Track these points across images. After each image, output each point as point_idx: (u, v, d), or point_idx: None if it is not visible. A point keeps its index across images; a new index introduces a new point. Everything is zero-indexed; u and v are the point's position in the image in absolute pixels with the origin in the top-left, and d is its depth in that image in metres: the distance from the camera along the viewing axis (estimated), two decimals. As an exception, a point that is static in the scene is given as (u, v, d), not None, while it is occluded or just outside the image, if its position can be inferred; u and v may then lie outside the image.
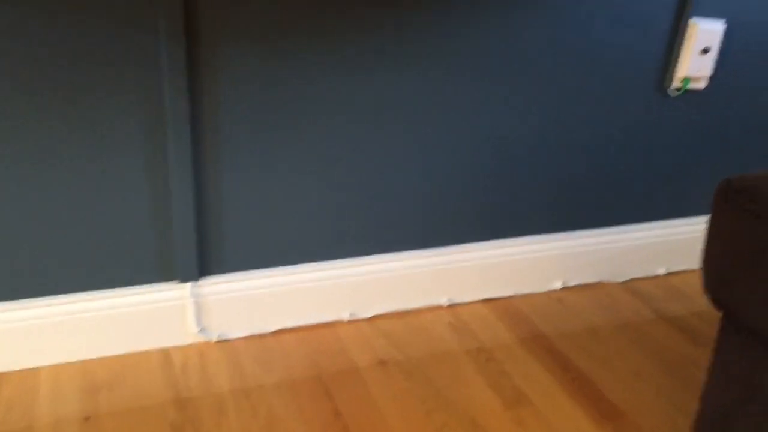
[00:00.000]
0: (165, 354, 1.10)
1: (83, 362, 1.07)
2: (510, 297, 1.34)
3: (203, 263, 1.10)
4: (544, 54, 1.15)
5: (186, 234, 1.05)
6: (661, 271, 1.47)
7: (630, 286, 1.41)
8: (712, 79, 1.30)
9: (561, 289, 1.38)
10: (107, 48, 0.91)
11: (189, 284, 1.09)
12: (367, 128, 1.10)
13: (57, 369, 1.05)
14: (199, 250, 1.08)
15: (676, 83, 1.27)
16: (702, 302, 1.38)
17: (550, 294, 1.36)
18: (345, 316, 1.22)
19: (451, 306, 1.29)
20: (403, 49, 1.06)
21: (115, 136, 0.96)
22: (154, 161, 1.00)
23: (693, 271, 1.51)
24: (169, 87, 0.95)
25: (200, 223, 1.07)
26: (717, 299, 0.75)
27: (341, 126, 1.08)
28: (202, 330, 1.12)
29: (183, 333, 1.12)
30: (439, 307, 1.28)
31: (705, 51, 1.25)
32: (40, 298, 1.03)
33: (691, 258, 1.49)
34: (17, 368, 1.04)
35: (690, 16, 1.22)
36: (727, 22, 1.25)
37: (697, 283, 1.45)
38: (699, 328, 1.28)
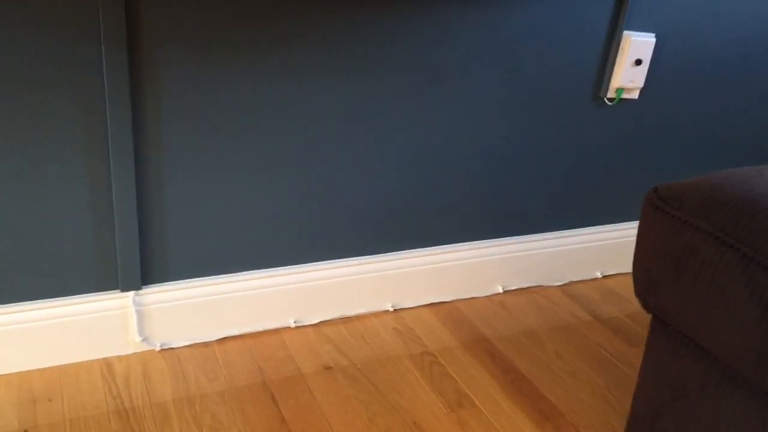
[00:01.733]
0: (107, 364, 1.09)
1: (21, 374, 1.04)
2: (453, 301, 1.36)
3: (145, 272, 1.09)
4: (485, 66, 1.18)
5: (128, 242, 1.04)
6: (598, 274, 1.52)
7: (567, 289, 1.46)
8: (644, 89, 1.36)
9: (502, 292, 1.41)
10: (47, 51, 0.90)
11: (131, 293, 1.08)
12: (310, 135, 1.11)
13: (-7, 381, 1.03)
14: (142, 258, 1.07)
15: (611, 93, 1.32)
16: (636, 304, 1.43)
17: (491, 298, 1.39)
18: (290, 323, 1.22)
19: (396, 311, 1.31)
20: (348, 57, 1.07)
21: (55, 142, 0.95)
22: (96, 168, 0.99)
23: (627, 274, 1.56)
24: (110, 91, 0.94)
25: (142, 231, 1.06)
26: (646, 302, 0.79)
27: (283, 133, 1.09)
28: (145, 339, 1.11)
29: (125, 343, 1.10)
30: (384, 313, 1.30)
31: (638, 62, 1.30)
32: (-25, 309, 1.00)
33: (626, 261, 1.54)
34: (-49, 381, 1.01)
35: (623, 29, 1.27)
36: (657, 36, 1.31)
37: (631, 286, 1.50)
38: (633, 330, 1.33)
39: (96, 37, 0.92)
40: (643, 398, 0.85)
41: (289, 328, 1.22)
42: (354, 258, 1.24)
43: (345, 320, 1.26)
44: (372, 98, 1.12)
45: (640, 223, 0.78)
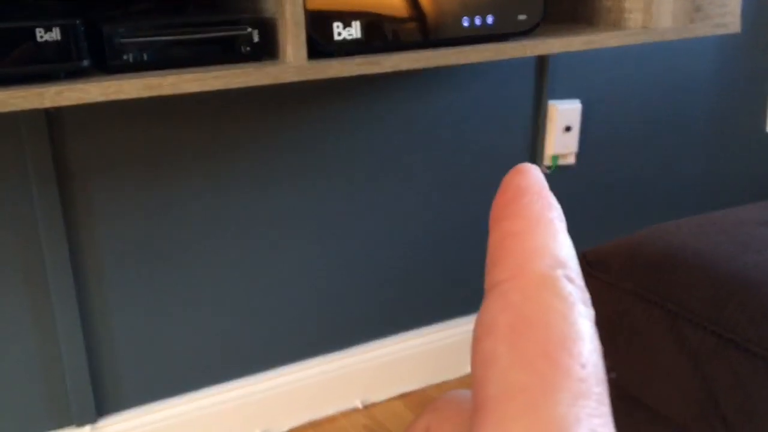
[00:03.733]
0: (68, 506, 1.04)
1: None
2: (424, 388, 1.34)
3: (100, 403, 1.06)
4: (422, 152, 1.21)
5: (78, 374, 1.02)
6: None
7: (539, 359, 1.44)
8: (580, 154, 1.39)
9: (473, 372, 1.39)
10: (-26, 200, 0.91)
11: (87, 427, 1.05)
12: (252, 246, 1.11)
13: None
14: (94, 389, 1.05)
15: (546, 161, 1.35)
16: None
17: (462, 379, 1.37)
18: (258, 434, 1.19)
19: (366, 407, 1.28)
20: (281, 166, 1.10)
21: (-9, 287, 0.95)
22: (38, 302, 0.98)
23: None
24: (45, 226, 0.95)
25: (92, 361, 1.04)
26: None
27: (227, 244, 1.09)
28: (106, 473, 1.08)
29: (86, 480, 1.07)
30: (354, 410, 1.27)
31: (568, 129, 1.34)
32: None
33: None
34: None
35: (548, 98, 1.31)
36: (582, 101, 1.35)
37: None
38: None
39: (24, 171, 0.93)
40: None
41: (257, 440, 1.19)
42: (317, 357, 1.23)
43: (314, 424, 1.23)
44: (314, 200, 1.14)
45: (572, 290, 0.78)
